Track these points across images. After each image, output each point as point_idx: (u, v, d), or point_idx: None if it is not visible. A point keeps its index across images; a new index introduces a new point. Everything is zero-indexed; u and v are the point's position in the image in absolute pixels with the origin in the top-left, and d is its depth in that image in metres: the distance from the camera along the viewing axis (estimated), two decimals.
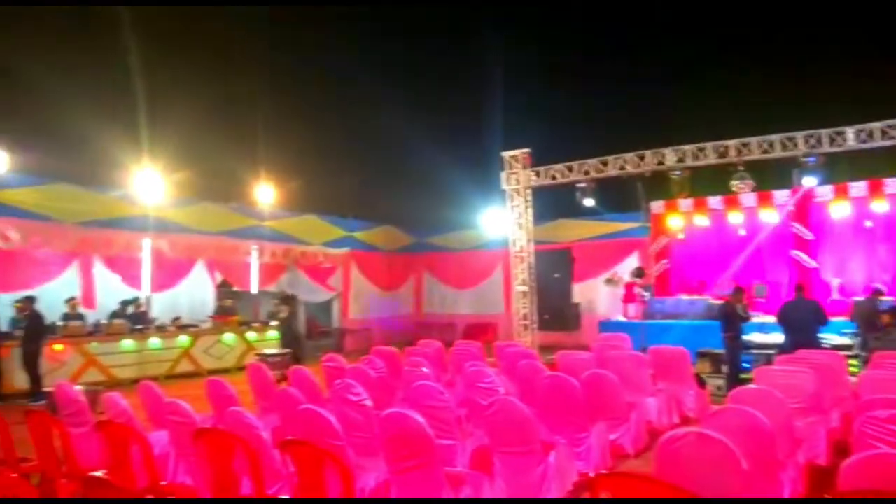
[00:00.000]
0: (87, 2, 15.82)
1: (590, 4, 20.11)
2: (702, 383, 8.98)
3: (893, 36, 16.60)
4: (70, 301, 12.67)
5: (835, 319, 10.86)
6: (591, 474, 5.48)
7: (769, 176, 13.22)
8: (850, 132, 11.07)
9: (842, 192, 14.46)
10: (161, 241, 13.85)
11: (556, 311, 16.19)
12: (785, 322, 9.64)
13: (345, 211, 19.90)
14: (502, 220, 15.64)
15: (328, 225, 18.86)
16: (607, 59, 19.91)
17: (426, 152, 19.71)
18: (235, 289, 16.84)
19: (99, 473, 4.14)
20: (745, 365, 9.86)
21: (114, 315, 13.34)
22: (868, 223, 14.38)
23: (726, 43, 18.86)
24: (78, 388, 6.60)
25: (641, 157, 12.79)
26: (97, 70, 16.17)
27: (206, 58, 18.31)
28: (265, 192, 16.96)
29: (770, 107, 15.37)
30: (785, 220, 15.25)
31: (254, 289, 16.54)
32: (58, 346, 11.65)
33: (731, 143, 11.95)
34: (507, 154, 14.37)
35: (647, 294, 15.39)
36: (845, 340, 10.44)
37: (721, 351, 10.12)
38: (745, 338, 10.26)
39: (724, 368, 9.96)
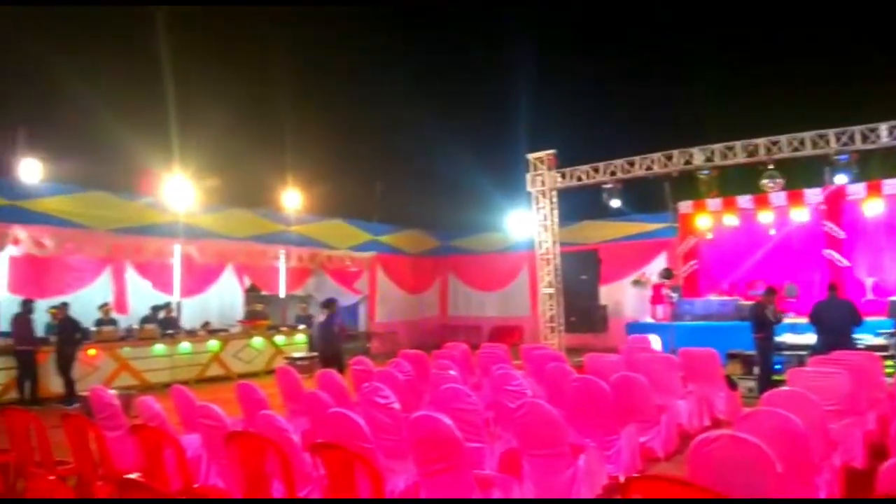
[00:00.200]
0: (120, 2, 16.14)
1: (615, 5, 20.00)
2: (733, 385, 8.85)
3: None
4: (103, 307, 12.92)
5: (869, 319, 10.63)
6: (622, 477, 5.44)
7: (800, 174, 12.98)
8: (883, 128, 10.84)
9: (875, 190, 14.14)
10: (191, 247, 14.08)
11: (583, 313, 16.10)
12: (818, 322, 9.45)
13: (370, 215, 20.02)
14: (528, 222, 15.60)
15: (354, 229, 18.98)
16: (633, 58, 19.78)
17: (451, 155, 19.77)
18: (264, 293, 17.04)
19: (134, 476, 4.23)
20: (776, 366, 9.70)
21: (145, 320, 13.56)
22: None
23: (754, 40, 18.62)
24: (112, 392, 6.73)
25: (669, 157, 12.67)
26: (128, 80, 16.52)
27: (235, 67, 18.60)
28: (292, 198, 17.17)
29: (801, 104, 15.10)
30: (816, 218, 14.99)
31: (281, 293, 16.71)
32: (91, 351, 11.88)
33: (761, 141, 11.78)
34: (532, 156, 14.34)
35: (675, 295, 15.21)
36: (880, 341, 10.21)
37: (752, 352, 9.96)
38: (777, 339, 10.08)
39: (756, 370, 9.81)
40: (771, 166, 11.63)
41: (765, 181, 11.70)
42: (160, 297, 14.33)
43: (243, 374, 13.21)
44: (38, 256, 11.95)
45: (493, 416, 6.48)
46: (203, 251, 14.32)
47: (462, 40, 22.03)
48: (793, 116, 12.41)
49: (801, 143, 11.49)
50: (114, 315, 13.19)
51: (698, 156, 12.34)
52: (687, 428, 7.14)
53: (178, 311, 14.37)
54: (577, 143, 15.07)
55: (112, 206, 13.36)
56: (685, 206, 16.59)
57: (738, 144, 11.99)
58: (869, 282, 14.28)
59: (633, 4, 19.78)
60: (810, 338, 9.88)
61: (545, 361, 8.34)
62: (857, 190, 14.31)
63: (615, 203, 13.48)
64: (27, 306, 11.09)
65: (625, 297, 17.48)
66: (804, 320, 10.55)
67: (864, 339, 10.09)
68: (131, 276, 14.20)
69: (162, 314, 13.99)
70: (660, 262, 16.76)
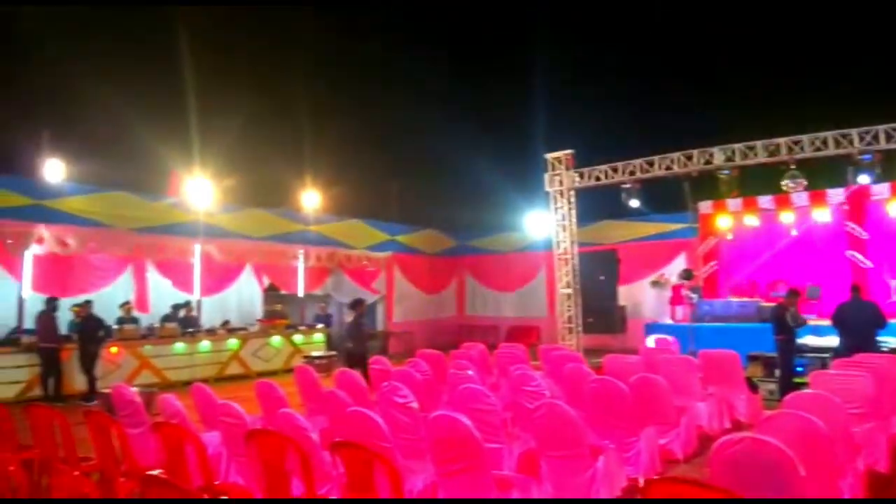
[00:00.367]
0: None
1: (635, 4, 19.86)
2: (753, 388, 8.77)
3: None
4: (125, 305, 13.10)
5: (894, 321, 10.46)
6: (641, 479, 5.41)
7: (822, 174, 12.80)
8: None
9: None
10: (211, 247, 14.21)
11: (601, 313, 15.98)
12: (841, 324, 9.32)
13: (388, 215, 20.07)
14: (546, 222, 15.55)
15: (372, 229, 19.05)
16: (651, 57, 19.65)
17: (469, 155, 19.77)
18: (282, 292, 17.15)
19: (156, 472, 4.27)
20: (798, 369, 9.58)
21: (166, 318, 13.71)
22: None
23: (775, 38, 18.38)
24: (134, 389, 6.81)
25: (688, 157, 12.57)
26: (150, 83, 16.71)
27: (254, 70, 18.75)
28: (311, 198, 17.27)
29: (824, 103, 14.89)
30: (839, 219, 14.79)
31: (300, 292, 16.81)
32: (113, 349, 12.04)
33: (783, 140, 11.64)
34: (550, 156, 14.29)
35: (695, 296, 15.08)
36: None
37: (773, 354, 9.85)
38: (799, 341, 9.95)
39: (777, 372, 9.69)
40: (793, 166, 11.49)
41: (786, 181, 11.56)
42: (180, 296, 14.49)
43: (262, 373, 13.32)
44: (61, 255, 12.12)
45: (511, 416, 6.47)
46: (223, 250, 14.45)
47: (479, 41, 22.04)
48: (815, 115, 12.23)
49: (824, 142, 11.34)
50: (135, 313, 13.36)
51: (719, 155, 12.23)
52: (707, 430, 7.09)
53: (198, 310, 14.52)
54: (595, 143, 15.02)
55: (133, 205, 13.52)
56: (705, 206, 16.44)
57: (759, 144, 11.86)
58: (893, 283, 14.05)
59: (653, 4, 19.63)
60: (833, 340, 9.75)
61: (563, 362, 8.31)
62: (881, 190, 14.08)
63: (634, 203, 13.40)
64: (51, 304, 11.24)
65: (644, 297, 17.38)
66: (826, 322, 10.41)
67: (889, 341, 9.92)
68: (152, 274, 14.36)
69: (182, 313, 14.14)
70: (679, 263, 16.63)
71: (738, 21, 18.66)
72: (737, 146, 12.07)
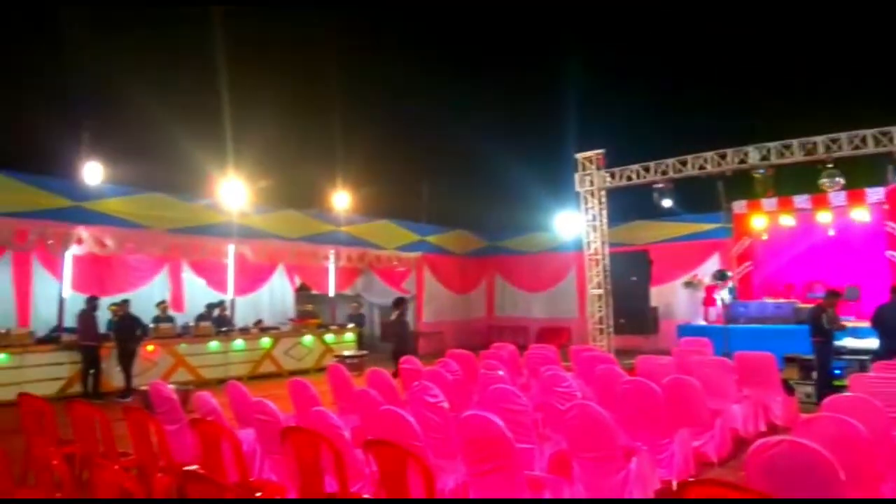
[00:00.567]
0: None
1: (667, 2, 19.62)
2: (790, 390, 8.59)
3: None
4: (160, 304, 13.37)
5: None
6: (674, 482, 5.35)
7: (861, 173, 12.52)
8: None
9: None
10: (244, 247, 14.42)
11: (633, 314, 15.81)
12: (880, 326, 9.10)
13: (418, 215, 20.14)
14: (576, 222, 15.46)
15: (402, 229, 19.12)
16: (683, 55, 19.37)
17: (499, 155, 19.74)
18: (313, 292, 17.33)
19: (193, 468, 4.36)
20: (836, 371, 9.37)
21: (200, 318, 13.94)
22: None
23: (812, 34, 17.99)
24: (170, 386, 6.94)
25: (722, 156, 12.38)
26: (186, 86, 17.04)
27: (287, 73, 18.98)
28: (342, 199, 17.41)
29: (862, 100, 14.55)
30: (878, 218, 14.43)
31: (331, 292, 16.96)
32: (150, 347, 12.30)
33: (820, 139, 11.40)
34: (580, 155, 14.20)
35: (729, 297, 14.86)
36: None
37: (810, 356, 9.65)
38: (838, 343, 9.74)
39: (814, 375, 9.49)
40: (830, 164, 11.25)
41: (824, 180, 11.31)
42: (215, 296, 14.74)
43: (294, 372, 13.47)
44: (99, 255, 12.41)
45: (542, 417, 6.44)
46: (256, 251, 14.66)
47: (510, 41, 21.97)
48: (854, 113, 11.95)
49: (863, 140, 11.08)
50: (171, 312, 13.63)
51: (753, 154, 12.02)
52: (742, 433, 6.98)
53: (231, 310, 14.74)
54: (626, 143, 14.86)
55: (169, 206, 13.77)
56: (739, 205, 16.19)
57: (795, 142, 11.64)
58: None
59: (688, 2, 19.35)
60: (872, 342, 9.52)
61: (595, 363, 8.25)
62: None
63: (667, 203, 13.25)
64: (92, 303, 11.51)
65: (676, 298, 17.14)
66: (865, 324, 10.18)
67: None
68: (187, 274, 14.64)
69: (216, 312, 14.37)
70: (713, 264, 16.39)
71: (774, 19, 18.31)
72: (772, 145, 11.85)
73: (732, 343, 11.52)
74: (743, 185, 13.25)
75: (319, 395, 6.67)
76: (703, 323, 15.02)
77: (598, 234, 14.02)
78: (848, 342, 10.17)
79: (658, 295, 17.07)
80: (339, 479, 4.06)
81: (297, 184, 17.48)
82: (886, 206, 14.31)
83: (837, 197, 14.30)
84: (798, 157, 11.60)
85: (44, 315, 12.30)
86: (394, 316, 11.07)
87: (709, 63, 18.93)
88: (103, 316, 12.01)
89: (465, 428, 4.52)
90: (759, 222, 15.91)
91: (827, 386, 8.81)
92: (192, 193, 14.37)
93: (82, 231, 11.92)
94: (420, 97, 21.73)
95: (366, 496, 4.54)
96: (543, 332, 19.18)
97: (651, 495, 4.97)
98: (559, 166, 15.62)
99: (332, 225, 17.05)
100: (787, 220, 15.60)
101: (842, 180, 11.27)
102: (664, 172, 13.05)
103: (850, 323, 11.13)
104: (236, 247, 14.38)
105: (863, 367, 8.83)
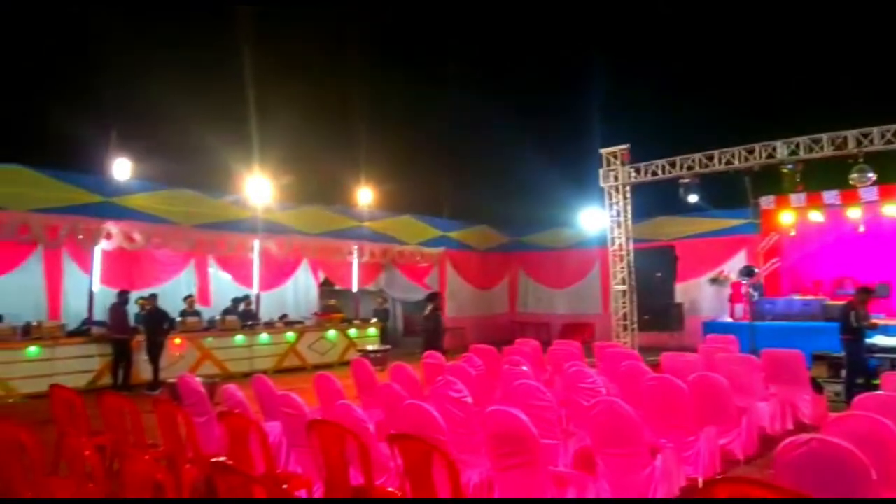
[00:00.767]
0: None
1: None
2: (818, 388, 8.45)
3: None
4: (187, 298, 13.55)
5: None
6: (700, 480, 5.30)
7: (893, 167, 12.24)
8: None
9: None
10: (269, 242, 14.55)
11: (658, 311, 15.69)
12: None
13: (440, 211, 20.16)
14: (600, 217, 15.35)
15: (424, 225, 19.16)
16: (710, 49, 19.10)
17: (522, 151, 19.65)
18: (337, 287, 17.44)
19: (221, 459, 4.42)
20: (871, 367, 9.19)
21: (226, 312, 14.12)
22: None
23: (841, 27, 17.62)
24: (198, 379, 7.04)
25: (750, 151, 12.20)
26: (212, 85, 17.24)
27: (310, 70, 19.11)
28: (365, 194, 17.49)
29: (894, 93, 14.23)
30: None
31: (354, 287, 17.06)
32: (177, 340, 12.48)
33: (850, 133, 11.17)
34: (605, 151, 14.09)
35: (756, 294, 14.63)
36: None
37: (840, 354, 9.48)
38: (868, 341, 9.54)
39: (844, 373, 9.33)
40: (861, 159, 11.01)
41: (855, 175, 11.07)
42: (240, 290, 14.90)
43: (318, 366, 13.58)
44: (128, 250, 12.61)
45: (566, 413, 6.42)
46: (280, 246, 14.79)
47: (533, 36, 21.84)
48: (886, 106, 11.68)
49: (895, 134, 10.84)
50: (197, 306, 13.80)
51: (782, 149, 11.83)
52: (769, 431, 6.89)
53: (256, 304, 14.89)
54: (652, 138, 14.72)
55: (195, 202, 13.96)
56: (767, 201, 15.95)
57: (825, 137, 11.41)
58: None
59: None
60: None
61: (619, 359, 8.19)
62: None
63: (693, 198, 13.06)
64: (122, 297, 11.71)
65: (701, 295, 16.96)
66: None
67: None
68: (213, 269, 14.81)
69: (242, 306, 14.54)
70: (739, 260, 16.16)
71: (805, 11, 17.96)
72: (801, 139, 11.65)
73: (759, 340, 11.37)
74: (771, 180, 13.03)
75: (343, 389, 6.72)
76: (728, 320, 14.84)
77: (622, 230, 13.91)
78: (879, 340, 9.97)
79: (683, 291, 16.93)
80: (364, 472, 4.08)
81: (321, 180, 17.64)
82: None
83: (868, 192, 13.96)
84: (828, 151, 11.38)
85: (74, 309, 12.53)
86: (428, 310, 11.09)
87: (736, 56, 18.64)
88: (131, 310, 12.21)
89: (489, 423, 4.52)
90: (787, 218, 15.67)
91: (857, 384, 8.65)
92: (218, 190, 14.56)
93: (111, 226, 12.10)
94: (443, 94, 21.74)
95: (390, 489, 4.56)
96: (567, 328, 19.09)
97: (676, 493, 4.93)
98: (583, 161, 15.54)
99: (355, 220, 17.15)
100: (816, 216, 15.34)
101: (873, 175, 11.02)
102: (690, 167, 12.90)
103: (880, 321, 10.91)
104: (261, 242, 14.52)
105: (894, 365, 8.66)
